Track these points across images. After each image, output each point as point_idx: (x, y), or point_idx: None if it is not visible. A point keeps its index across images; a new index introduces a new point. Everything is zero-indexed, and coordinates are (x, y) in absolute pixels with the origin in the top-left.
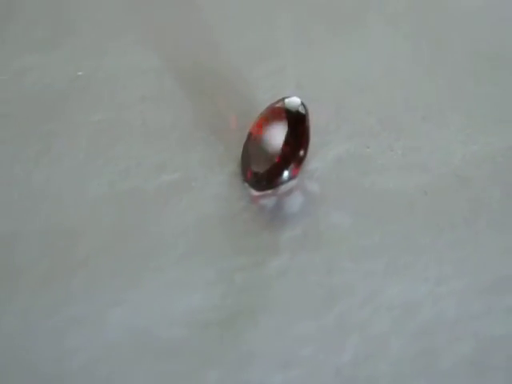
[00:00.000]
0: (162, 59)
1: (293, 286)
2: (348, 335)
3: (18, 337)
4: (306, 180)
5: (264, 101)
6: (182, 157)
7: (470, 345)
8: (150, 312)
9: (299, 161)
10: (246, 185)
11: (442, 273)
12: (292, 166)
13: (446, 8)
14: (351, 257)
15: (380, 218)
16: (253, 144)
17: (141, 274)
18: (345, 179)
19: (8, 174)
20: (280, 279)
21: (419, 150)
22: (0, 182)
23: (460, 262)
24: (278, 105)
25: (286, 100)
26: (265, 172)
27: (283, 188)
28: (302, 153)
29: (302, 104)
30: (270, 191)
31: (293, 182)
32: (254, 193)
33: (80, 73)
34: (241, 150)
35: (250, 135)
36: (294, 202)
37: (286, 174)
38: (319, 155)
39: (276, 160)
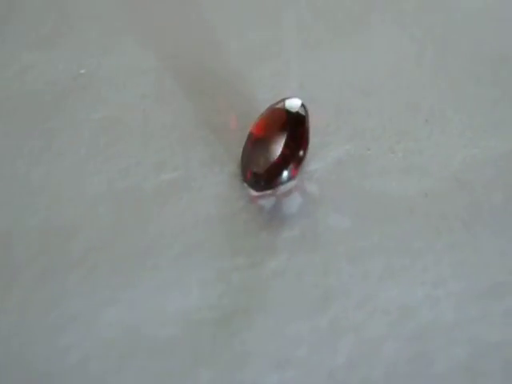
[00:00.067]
0: (163, 58)
1: (289, 286)
2: (343, 337)
3: (13, 333)
4: (306, 181)
5: (265, 101)
6: (182, 156)
7: (465, 349)
8: (145, 311)
9: (298, 161)
10: (246, 185)
11: (439, 276)
12: (291, 166)
13: (450, 10)
14: (348, 259)
15: (378, 221)
16: (253, 144)
17: (138, 272)
18: (344, 181)
19: (8, 170)
20: (277, 280)
21: (420, 152)
22: (0, 178)
23: (458, 265)
24: (278, 105)
25: (287, 101)
26: (264, 172)
27: (282, 189)
28: (301, 153)
29: (303, 105)
30: (269, 192)
31: (292, 183)
32: (253, 193)
33: (82, 71)
34: (241, 150)
35: (250, 135)
36: (293, 203)
37: (285, 174)
38: (319, 156)
39: (275, 160)
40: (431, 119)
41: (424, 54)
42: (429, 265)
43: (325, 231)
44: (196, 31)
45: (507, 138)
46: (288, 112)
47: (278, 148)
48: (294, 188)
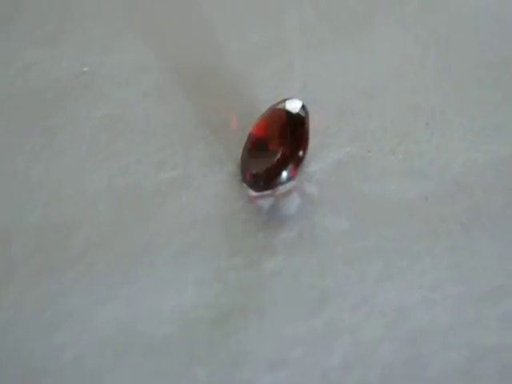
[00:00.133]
0: (165, 57)
1: (286, 287)
2: (338, 339)
3: (9, 330)
4: (305, 182)
5: (267, 101)
6: (182, 155)
7: (461, 353)
8: (141, 308)
9: (298, 162)
10: (245, 185)
11: (436, 279)
12: (290, 166)
13: (454, 12)
14: (346, 260)
15: (377, 223)
16: (252, 144)
17: (135, 270)
18: (344, 182)
19: (8, 167)
20: (273, 280)
21: (421, 155)
22: (0, 174)
23: (455, 269)
24: (278, 106)
25: (287, 102)
26: (263, 172)
27: (281, 189)
28: (300, 153)
29: (303, 106)
30: (268, 192)
31: (291, 184)
32: (252, 193)
33: (85, 69)
34: (241, 150)
35: (250, 136)
36: (292, 204)
37: (284, 174)
38: (319, 157)
39: (274, 161)
40: (433, 122)
41: (427, 56)
42: (427, 268)
43: (322, 233)
44: (199, 31)
45: (509, 142)
46: (288, 113)
47: (277, 148)
48: (293, 189)
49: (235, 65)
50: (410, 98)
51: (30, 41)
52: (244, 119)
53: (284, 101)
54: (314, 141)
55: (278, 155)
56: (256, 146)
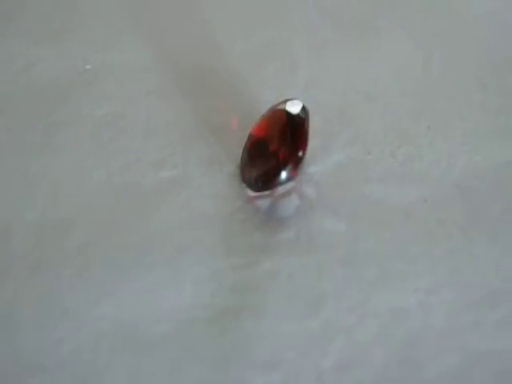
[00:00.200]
0: (168, 56)
1: (282, 288)
2: (333, 340)
3: (6, 325)
4: (304, 183)
5: (269, 102)
6: (182, 154)
7: (456, 357)
8: (138, 307)
9: (297, 162)
10: (244, 185)
11: (433, 283)
12: (290, 167)
13: (457, 16)
14: (342, 262)
15: (375, 225)
16: (252, 145)
17: (132, 268)
18: (343, 184)
19: (9, 162)
20: (270, 281)
21: (421, 158)
22: (1, 169)
23: (452, 273)
24: (279, 107)
25: (288, 102)
26: (262, 173)
27: (280, 190)
28: (300, 154)
29: (304, 107)
30: (267, 192)
31: (290, 185)
32: (251, 193)
33: (88, 66)
34: (241, 150)
35: (250, 136)
36: (290, 205)
37: (283, 175)
38: (319, 159)
39: (274, 161)
40: (434, 125)
41: (430, 59)
42: (423, 271)
43: (320, 234)
44: (201, 31)
45: (510, 147)
46: (288, 113)
47: (276, 149)
48: (291, 190)
49: (237, 65)
50: (411, 101)
51: (33, 39)
52: (245, 120)
53: (285, 101)
54: (314, 142)
55: (278, 156)
56: (256, 147)
